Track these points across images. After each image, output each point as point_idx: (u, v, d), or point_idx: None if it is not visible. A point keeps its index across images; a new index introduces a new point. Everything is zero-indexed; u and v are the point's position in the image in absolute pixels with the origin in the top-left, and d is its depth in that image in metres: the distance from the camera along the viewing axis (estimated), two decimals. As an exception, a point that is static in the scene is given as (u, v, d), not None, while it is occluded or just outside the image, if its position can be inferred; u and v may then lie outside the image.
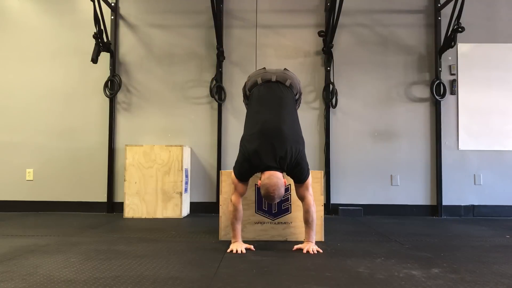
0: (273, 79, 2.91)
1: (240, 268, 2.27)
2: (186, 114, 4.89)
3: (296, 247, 2.74)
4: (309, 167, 2.81)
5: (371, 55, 4.91)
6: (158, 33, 4.95)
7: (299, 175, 2.73)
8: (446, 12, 4.61)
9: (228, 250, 2.68)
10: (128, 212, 4.37)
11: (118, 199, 4.77)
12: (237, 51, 4.93)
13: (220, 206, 3.15)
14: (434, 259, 2.52)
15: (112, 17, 4.91)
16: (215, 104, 4.87)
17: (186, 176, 4.55)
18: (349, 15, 4.84)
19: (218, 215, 3.16)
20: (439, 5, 4.84)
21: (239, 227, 2.78)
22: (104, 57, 4.74)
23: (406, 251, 2.79)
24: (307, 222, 2.75)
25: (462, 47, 4.85)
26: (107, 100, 4.87)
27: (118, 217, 4.43)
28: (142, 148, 4.41)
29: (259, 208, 3.12)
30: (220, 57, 4.81)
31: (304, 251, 2.66)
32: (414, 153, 4.84)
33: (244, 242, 2.78)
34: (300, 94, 3.05)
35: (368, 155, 4.83)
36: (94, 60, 4.44)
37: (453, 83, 4.84)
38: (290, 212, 3.12)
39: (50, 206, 4.80)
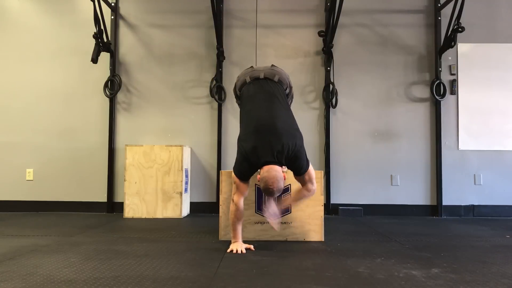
0: (261, 76, 2.92)
1: (240, 268, 2.27)
2: (186, 114, 4.89)
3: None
4: (309, 167, 2.81)
5: (371, 55, 4.91)
6: (158, 33, 4.95)
7: (299, 168, 2.75)
8: (446, 12, 4.61)
9: (228, 250, 2.68)
10: (128, 212, 4.37)
11: (118, 199, 4.77)
12: (237, 51, 4.93)
13: (220, 206, 3.15)
14: (434, 259, 2.53)
15: (112, 17, 4.91)
16: (215, 104, 4.87)
17: (186, 176, 4.55)
18: (349, 15, 4.84)
19: (218, 215, 3.16)
20: (439, 5, 4.84)
21: (239, 227, 2.78)
22: (104, 57, 4.74)
23: (406, 251, 2.79)
24: (297, 194, 2.88)
25: (462, 47, 4.85)
26: (107, 100, 4.87)
27: (118, 217, 4.43)
28: (142, 148, 4.41)
29: (259, 208, 3.12)
30: (220, 57, 4.81)
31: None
32: (414, 153, 4.84)
33: (244, 242, 2.78)
34: (290, 88, 3.04)
35: (368, 155, 4.83)
36: (94, 60, 4.44)
37: (453, 83, 4.84)
38: (290, 212, 3.12)
39: (50, 206, 4.81)
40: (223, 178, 3.17)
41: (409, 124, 4.86)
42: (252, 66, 3.14)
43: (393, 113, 4.87)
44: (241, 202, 2.77)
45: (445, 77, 4.84)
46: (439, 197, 4.74)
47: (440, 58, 4.82)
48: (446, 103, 4.85)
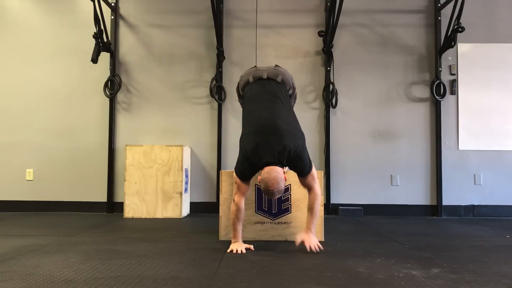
0: (265, 76, 2.92)
1: (240, 268, 2.26)
2: (186, 114, 4.89)
3: (297, 238, 2.72)
4: (309, 167, 2.80)
5: (371, 55, 4.91)
6: (158, 33, 4.95)
7: (301, 168, 2.73)
8: (446, 12, 4.61)
9: (228, 250, 2.68)
10: (128, 212, 4.37)
11: (118, 199, 4.77)
12: (237, 51, 4.93)
13: (220, 206, 3.15)
14: (434, 259, 2.52)
15: (112, 17, 4.91)
16: (215, 104, 4.87)
17: (186, 176, 4.55)
18: (349, 15, 4.84)
19: (218, 215, 3.16)
20: (439, 5, 4.84)
21: (240, 227, 2.78)
22: (104, 57, 4.74)
23: (406, 251, 2.79)
24: (312, 209, 2.73)
25: (462, 47, 4.85)
26: (107, 100, 4.87)
27: (118, 217, 4.43)
28: (142, 148, 4.41)
29: (259, 208, 3.12)
30: (220, 57, 4.81)
31: (307, 247, 2.65)
32: (414, 153, 4.84)
33: (244, 242, 2.78)
34: (294, 89, 3.04)
35: (368, 155, 4.83)
36: (94, 60, 4.44)
37: (453, 83, 4.84)
38: (290, 212, 3.12)
39: (50, 206, 4.81)
40: (223, 178, 3.17)
41: (409, 124, 4.86)
42: (255, 66, 3.12)
43: (393, 113, 4.87)
44: (242, 202, 2.76)
45: (445, 77, 4.84)
46: (439, 197, 4.74)
47: (440, 58, 4.82)
48: (446, 103, 4.85)
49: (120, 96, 4.91)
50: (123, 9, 4.98)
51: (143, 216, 4.36)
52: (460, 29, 4.31)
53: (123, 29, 4.97)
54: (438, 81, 4.77)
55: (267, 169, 2.60)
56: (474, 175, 4.80)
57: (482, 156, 4.82)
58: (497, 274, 2.17)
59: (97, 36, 4.42)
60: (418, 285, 1.95)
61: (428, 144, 4.84)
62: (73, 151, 4.86)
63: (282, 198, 3.09)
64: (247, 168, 2.72)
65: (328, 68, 4.85)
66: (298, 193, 3.09)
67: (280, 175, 2.58)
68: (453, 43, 4.44)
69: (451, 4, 4.40)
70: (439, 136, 4.79)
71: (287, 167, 2.77)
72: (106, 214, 4.71)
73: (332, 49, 4.80)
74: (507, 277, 2.12)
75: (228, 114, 4.88)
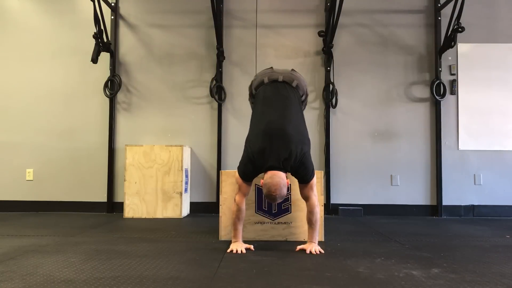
0: (280, 79, 2.90)
1: (240, 268, 2.27)
2: (186, 114, 4.89)
3: (299, 247, 2.73)
4: (310, 167, 2.80)
5: (371, 55, 4.91)
6: (158, 33, 4.95)
7: (304, 176, 2.72)
8: (446, 12, 4.61)
9: (228, 250, 2.68)
10: (128, 212, 4.37)
11: (118, 199, 4.77)
12: (237, 51, 4.93)
13: (220, 206, 3.15)
14: (434, 259, 2.52)
15: (112, 17, 4.91)
16: (215, 104, 4.87)
17: (186, 176, 4.55)
18: (349, 15, 4.84)
19: (218, 215, 3.16)
20: (439, 5, 4.84)
21: (240, 227, 2.78)
22: (104, 57, 4.74)
23: (406, 251, 2.79)
24: (311, 222, 2.75)
25: (462, 47, 4.85)
26: (107, 100, 4.87)
27: (118, 217, 4.43)
28: (142, 148, 4.41)
29: (259, 208, 3.12)
30: (220, 57, 4.81)
31: (307, 251, 2.66)
32: (414, 153, 4.84)
33: (244, 242, 2.78)
34: (306, 95, 3.04)
35: (368, 155, 4.83)
36: (94, 60, 4.44)
37: (453, 83, 4.84)
38: (290, 212, 3.12)
39: (50, 206, 4.80)
40: (223, 178, 3.17)
41: (409, 124, 4.86)
42: (272, 67, 3.09)
43: (393, 113, 4.87)
44: (243, 202, 2.76)
45: (445, 77, 4.84)
46: (439, 197, 4.74)
47: (440, 58, 4.82)
48: (446, 103, 4.85)
49: (120, 96, 4.91)
50: (123, 9, 4.98)
51: (143, 216, 4.36)
52: (460, 29, 4.31)
53: (123, 29, 4.97)
54: (438, 81, 4.77)
55: (270, 173, 2.59)
56: (474, 175, 4.80)
57: (482, 156, 4.82)
58: (497, 274, 2.17)
59: (97, 36, 4.43)
60: (418, 285, 1.95)
61: (428, 144, 4.84)
62: (73, 151, 4.86)
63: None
64: (250, 170, 2.71)
65: (328, 68, 4.86)
66: (298, 193, 3.08)
67: (283, 181, 2.57)
68: (453, 43, 4.44)
69: (451, 4, 4.40)
70: (439, 136, 4.79)
71: (289, 174, 2.75)
72: (106, 214, 4.71)
73: (332, 49, 4.80)
74: (507, 277, 2.12)
75: (228, 114, 4.88)
